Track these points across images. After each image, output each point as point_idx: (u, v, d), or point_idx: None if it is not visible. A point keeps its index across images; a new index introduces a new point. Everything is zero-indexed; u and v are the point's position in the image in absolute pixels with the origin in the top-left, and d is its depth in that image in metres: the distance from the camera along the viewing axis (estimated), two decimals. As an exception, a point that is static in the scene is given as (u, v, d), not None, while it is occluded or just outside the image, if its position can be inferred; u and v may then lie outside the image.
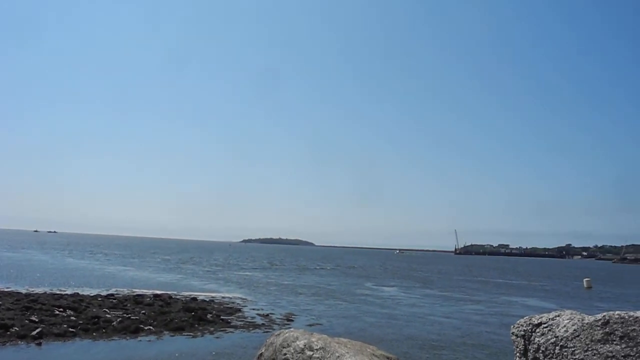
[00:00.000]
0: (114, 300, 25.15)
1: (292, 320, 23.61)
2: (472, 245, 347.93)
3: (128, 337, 17.71)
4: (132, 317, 20.66)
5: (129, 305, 24.06)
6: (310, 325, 22.39)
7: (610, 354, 3.34)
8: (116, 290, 30.53)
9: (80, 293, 27.28)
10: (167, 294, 29.35)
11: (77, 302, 23.03)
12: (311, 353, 4.77)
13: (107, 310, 21.98)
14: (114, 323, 19.15)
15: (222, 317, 22.98)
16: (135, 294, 28.88)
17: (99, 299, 25.63)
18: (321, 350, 4.77)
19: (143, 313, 21.96)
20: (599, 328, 3.53)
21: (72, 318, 19.57)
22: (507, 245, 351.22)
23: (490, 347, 18.93)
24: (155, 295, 27.97)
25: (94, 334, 17.78)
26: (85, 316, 20.10)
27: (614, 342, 3.38)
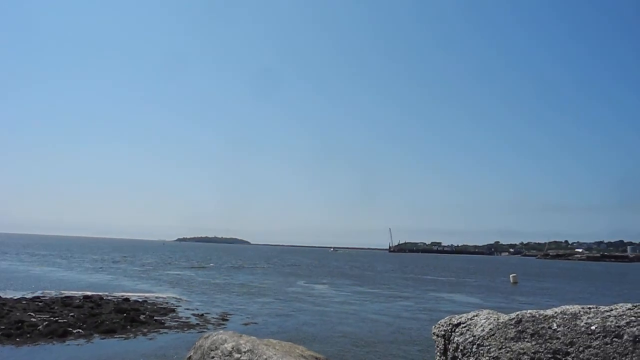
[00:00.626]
0: (39, 303, 24.19)
1: (227, 320, 23.59)
2: (405, 243, 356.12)
3: (55, 342, 17.15)
4: (59, 321, 20.00)
5: (56, 307, 23.23)
6: (245, 324, 22.49)
7: (522, 351, 3.47)
8: (43, 293, 29.30)
9: (3, 296, 25.97)
10: (98, 295, 28.51)
11: (-1, 306, 22.00)
12: (239, 356, 4.96)
13: (32, 313, 21.14)
14: (40, 327, 18.50)
15: (155, 317, 22.64)
16: (63, 295, 27.87)
17: (24, 302, 24.55)
18: (249, 353, 4.97)
19: (72, 316, 21.30)
20: (512, 327, 3.65)
21: (-6, 323, 18.70)
22: (440, 243, 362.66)
23: (421, 342, 19.66)
24: (85, 297, 27.12)
25: (17, 339, 17.07)
26: (8, 320, 19.23)
27: (526, 340, 3.51)
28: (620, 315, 3.26)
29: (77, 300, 25.71)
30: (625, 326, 3.17)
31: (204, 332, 17.45)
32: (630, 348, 3.08)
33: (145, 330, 20.03)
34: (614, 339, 3.16)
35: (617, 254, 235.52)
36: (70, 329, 18.86)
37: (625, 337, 3.13)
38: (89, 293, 29.20)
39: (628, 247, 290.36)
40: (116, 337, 18.45)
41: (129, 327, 20.24)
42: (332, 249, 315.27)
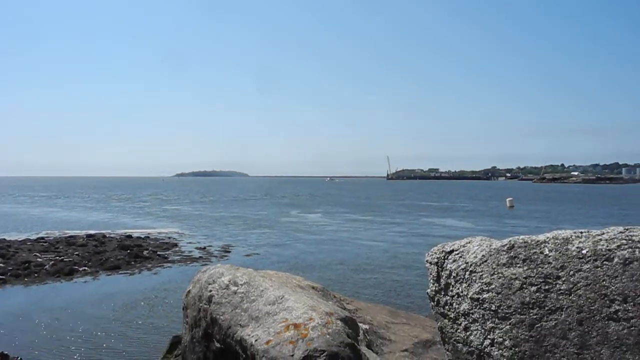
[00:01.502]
0: (44, 244, 24.59)
1: (229, 252, 24.08)
2: (403, 170, 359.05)
3: (62, 280, 17.60)
4: (65, 260, 20.42)
5: (61, 247, 23.65)
6: (247, 255, 23.02)
7: (513, 277, 3.52)
8: (46, 233, 29.72)
9: (7, 239, 26.38)
10: (100, 233, 28.94)
11: (4, 248, 22.35)
12: (236, 288, 5.09)
13: (37, 254, 21.55)
14: (47, 267, 18.91)
15: (158, 252, 23.11)
16: (67, 235, 28.28)
17: (28, 243, 24.95)
18: (246, 285, 5.09)
19: (77, 254, 21.72)
20: (504, 252, 3.68)
21: (1, 265, 19.09)
22: (437, 170, 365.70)
23: (419, 268, 20.16)
24: (89, 236, 27.55)
25: (26, 279, 17.50)
26: (15, 262, 19.62)
27: (517, 265, 3.54)
28: (611, 239, 3.29)
29: (81, 239, 26.14)
30: (615, 249, 3.21)
31: (207, 264, 17.85)
32: (620, 270, 3.13)
33: (150, 265, 20.49)
34: (604, 262, 3.21)
35: (612, 176, 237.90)
36: (76, 267, 19.28)
37: (616, 260, 3.18)
38: (92, 232, 29.63)
39: (623, 169, 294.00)
40: (121, 273, 18.92)
41: (133, 262, 20.69)
42: (328, 179, 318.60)
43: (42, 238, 27.04)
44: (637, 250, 3.14)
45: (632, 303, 3.03)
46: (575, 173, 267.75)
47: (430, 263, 4.36)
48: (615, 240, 3.26)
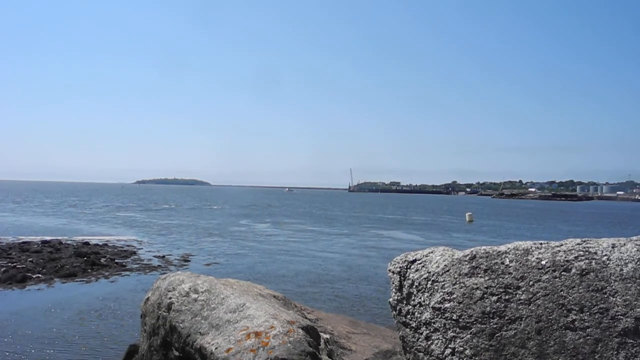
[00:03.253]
0: (-5, 249, 23.65)
1: (189, 261, 23.66)
2: (365, 183, 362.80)
3: (14, 287, 16.90)
4: (18, 266, 19.66)
5: (14, 253, 22.75)
6: (207, 265, 22.65)
7: (475, 286, 3.60)
8: (-2, 238, 28.61)
9: (-45, 243, 25.23)
10: (56, 239, 28.02)
11: (-48, 253, 21.41)
12: (196, 296, 4.99)
13: (-12, 259, 20.70)
14: (-3, 273, 18.17)
15: (116, 260, 22.51)
16: (20, 241, 27.27)
17: (-22, 248, 23.97)
18: (206, 293, 5.00)
19: (30, 261, 20.94)
20: (466, 262, 3.77)
21: (-52, 270, 18.23)
22: (399, 183, 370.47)
23: (374, 279, 20.25)
24: (44, 242, 26.61)
25: (-26, 285, 16.77)
26: (-37, 267, 18.80)
27: (479, 275, 3.63)
28: (569, 250, 3.39)
29: (36, 245, 25.22)
30: (573, 260, 3.31)
31: (165, 273, 17.49)
32: (577, 281, 3.22)
33: (107, 273, 19.93)
34: (562, 273, 3.30)
35: (567, 193, 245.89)
36: (29, 274, 18.57)
37: (574, 270, 3.27)
38: (47, 238, 28.66)
39: (577, 186, 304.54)
40: (77, 281, 18.32)
41: (89, 270, 20.08)
42: (287, 189, 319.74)
43: (-6, 243, 25.98)
44: (593, 261, 3.24)
45: (588, 313, 3.11)
46: (533, 189, 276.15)
47: (393, 272, 4.40)
48: (573, 251, 3.36)
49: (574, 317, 3.15)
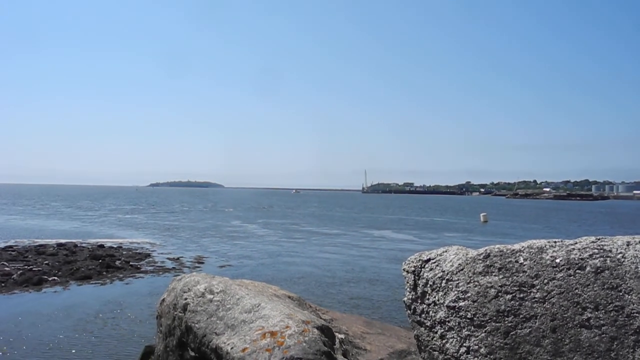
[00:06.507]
0: (12, 252, 23.94)
1: (202, 263, 23.82)
2: (379, 183, 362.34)
3: (31, 290, 17.13)
4: (34, 269, 19.92)
5: (30, 256, 23.07)
6: (221, 267, 22.78)
7: (489, 285, 3.60)
8: (15, 242, 28.96)
9: (-27, 246, 25.59)
10: (72, 242, 28.35)
11: (-29, 256, 21.73)
12: (211, 296, 5.04)
13: (5, 263, 20.96)
14: (14, 276, 18.39)
15: (131, 263, 22.73)
16: (36, 244, 27.62)
17: (-5, 251, 24.31)
18: (222, 293, 5.05)
19: (46, 264, 21.22)
20: (480, 261, 3.76)
21: (-34, 273, 18.50)
22: (412, 184, 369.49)
23: (385, 280, 20.18)
24: (59, 245, 26.96)
25: (-8, 288, 17.01)
26: (-19, 271, 19.07)
27: (493, 274, 3.62)
28: (583, 248, 3.38)
29: (51, 248, 25.56)
30: (588, 258, 3.30)
31: (179, 275, 17.60)
32: (592, 279, 3.22)
33: (121, 275, 20.12)
34: (577, 271, 3.29)
35: (582, 192, 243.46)
36: (45, 276, 18.81)
37: (588, 268, 3.26)
38: (62, 241, 29.00)
39: (592, 186, 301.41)
40: (92, 283, 18.52)
41: (104, 273, 20.29)
42: (294, 191, 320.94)
43: (11, 247, 26.33)
44: (608, 259, 3.23)
45: (603, 311, 3.11)
46: (547, 189, 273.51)
47: (407, 271, 4.39)
48: (588, 249, 3.35)
49: (589, 315, 3.14)
